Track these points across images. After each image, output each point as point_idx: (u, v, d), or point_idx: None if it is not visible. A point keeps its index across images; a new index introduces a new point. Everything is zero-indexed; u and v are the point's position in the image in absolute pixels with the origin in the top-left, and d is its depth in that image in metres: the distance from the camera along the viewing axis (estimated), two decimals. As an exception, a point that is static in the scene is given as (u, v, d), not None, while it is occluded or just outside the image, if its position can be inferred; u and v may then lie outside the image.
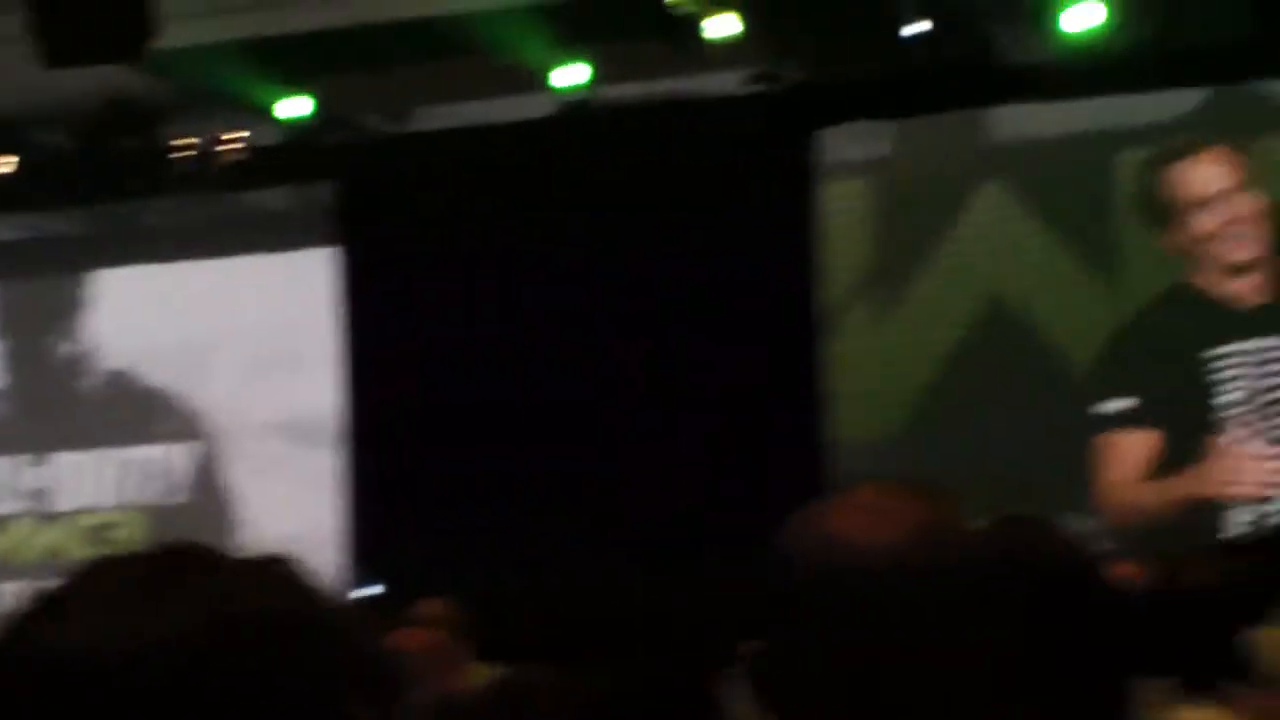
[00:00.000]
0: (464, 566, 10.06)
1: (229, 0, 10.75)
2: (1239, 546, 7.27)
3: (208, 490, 13.42)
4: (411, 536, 11.26)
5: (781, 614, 2.02)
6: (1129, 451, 7.96)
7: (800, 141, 11.51)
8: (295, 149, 12.21)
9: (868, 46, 11.41)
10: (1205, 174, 7.58)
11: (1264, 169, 9.74)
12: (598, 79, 11.68)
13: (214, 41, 10.96)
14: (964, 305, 11.25)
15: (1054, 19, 10.86)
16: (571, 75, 11.66)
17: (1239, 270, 7.64)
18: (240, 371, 13.26)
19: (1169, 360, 8.33)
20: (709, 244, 11.38)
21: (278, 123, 12.10)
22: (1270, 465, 8.18)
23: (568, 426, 11.32)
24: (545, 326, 11.56)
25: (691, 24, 11.01)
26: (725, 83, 11.48)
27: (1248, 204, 7.48)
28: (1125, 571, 5.39)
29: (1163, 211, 7.21)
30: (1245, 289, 7.41)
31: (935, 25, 11.18)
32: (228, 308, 13.18)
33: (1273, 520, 8.09)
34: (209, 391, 13.38)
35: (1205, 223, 7.23)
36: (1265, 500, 8.01)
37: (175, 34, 8.96)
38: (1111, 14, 10.69)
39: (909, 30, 11.31)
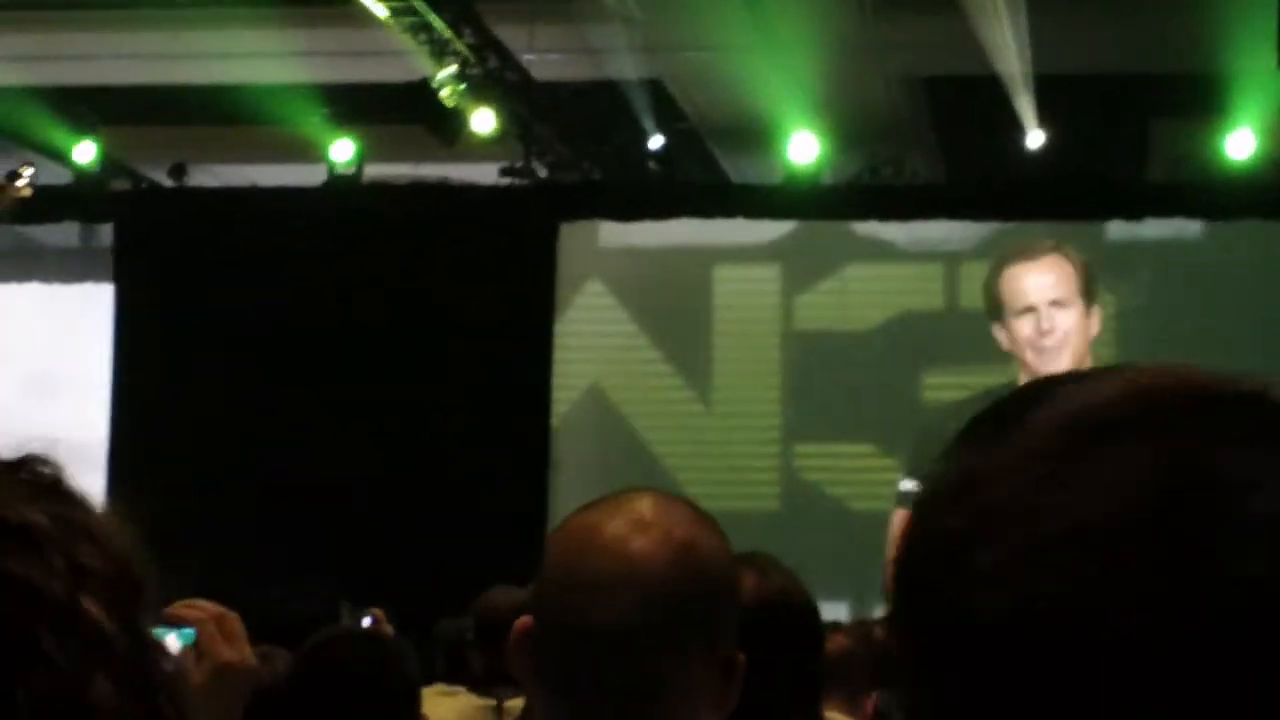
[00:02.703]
0: (226, 598, 9.97)
1: (27, 49, 10.72)
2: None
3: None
4: (171, 563, 11.20)
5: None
6: None
7: (543, 233, 11.67)
8: (81, 191, 12.16)
9: (612, 153, 11.73)
10: (1031, 280, 7.37)
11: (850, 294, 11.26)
12: (365, 157, 11.86)
13: (10, 84, 10.93)
14: (564, 390, 11.70)
15: (779, 149, 11.24)
16: (341, 152, 11.83)
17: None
18: (15, 391, 13.05)
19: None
20: (458, 318, 11.50)
21: (68, 165, 12.09)
22: None
23: (324, 461, 11.31)
24: (298, 371, 11.59)
25: (458, 116, 11.13)
26: (482, 172, 11.65)
27: (1069, 318, 7.25)
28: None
29: (995, 308, 7.11)
30: None
31: (670, 142, 11.53)
32: (6, 329, 13.01)
33: None
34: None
35: (1022, 329, 7.08)
36: None
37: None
38: (825, 149, 11.19)
39: (652, 143, 11.66)
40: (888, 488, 10.58)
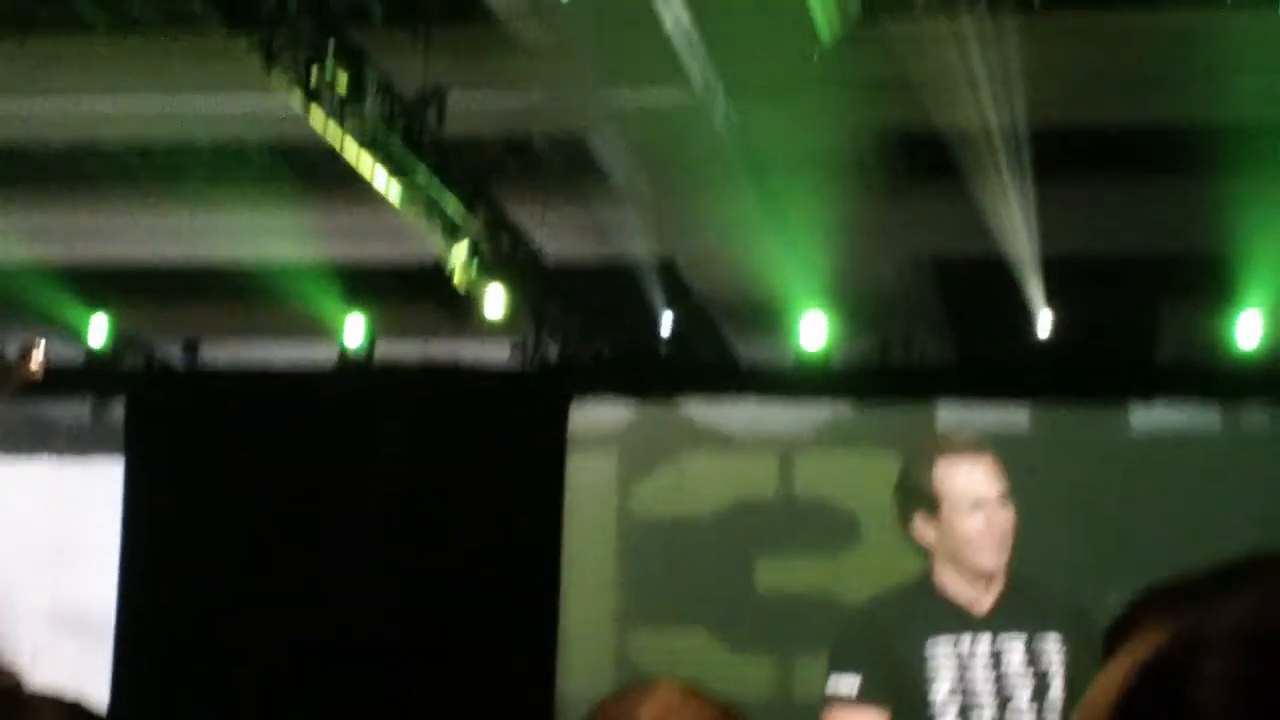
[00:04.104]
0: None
1: (40, 225, 10.79)
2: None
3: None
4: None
5: None
6: None
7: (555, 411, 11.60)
8: (93, 367, 12.18)
9: (621, 332, 11.77)
10: (979, 474, 7.07)
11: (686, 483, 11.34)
12: (377, 335, 11.86)
13: (24, 260, 10.98)
14: None
15: (789, 329, 11.23)
16: (353, 330, 11.83)
17: (984, 576, 7.07)
18: (26, 565, 12.94)
19: (893, 649, 8.24)
20: (468, 501, 11.43)
21: (80, 341, 12.10)
22: None
23: (335, 640, 11.22)
24: (309, 547, 11.50)
25: (470, 295, 11.11)
26: (494, 349, 11.67)
27: (1011, 515, 6.99)
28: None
29: (925, 500, 6.72)
30: (981, 593, 6.98)
31: (680, 321, 11.55)
32: (15, 502, 12.93)
33: None
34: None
35: (968, 524, 6.72)
36: None
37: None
38: (835, 329, 11.20)
39: (663, 324, 11.66)
40: (722, 670, 10.82)
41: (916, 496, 6.56)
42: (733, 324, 11.90)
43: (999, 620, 6.88)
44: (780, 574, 11.16)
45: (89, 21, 9.30)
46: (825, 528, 11.22)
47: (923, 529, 6.56)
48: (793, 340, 11.27)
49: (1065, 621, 6.87)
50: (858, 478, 11.16)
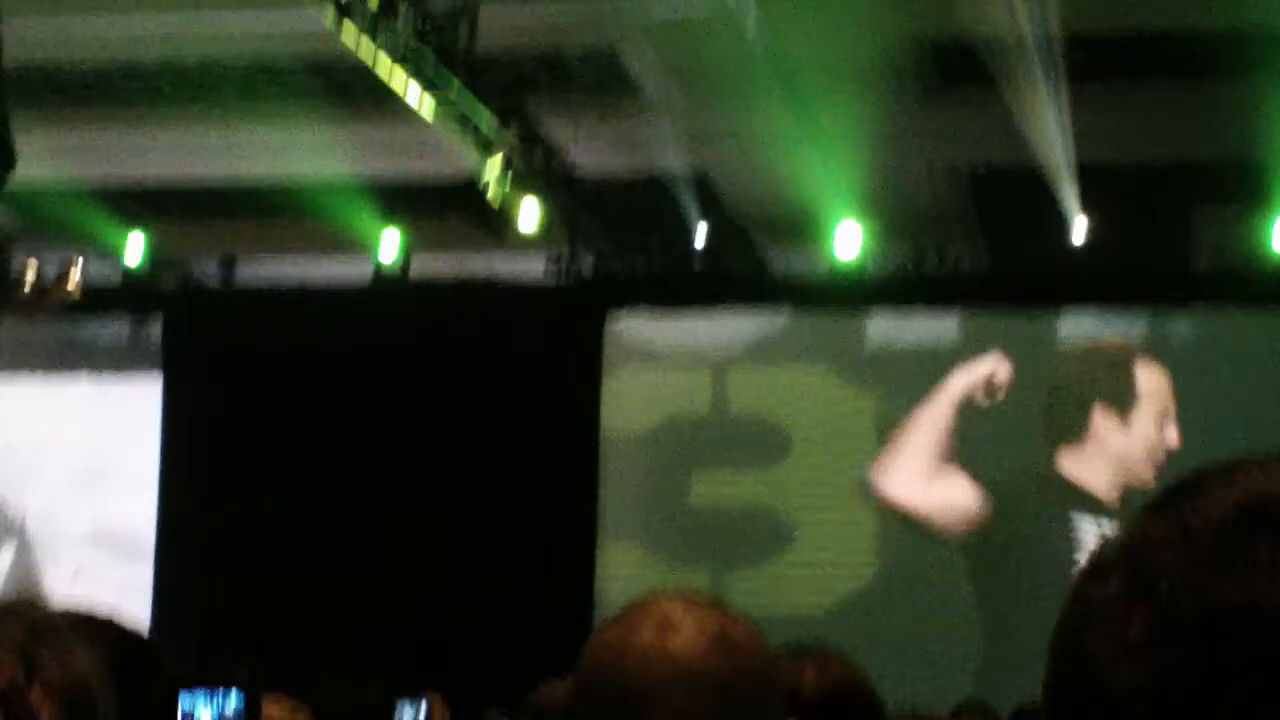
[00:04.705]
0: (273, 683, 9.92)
1: (77, 145, 10.79)
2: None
3: (21, 593, 13.07)
4: (216, 649, 11.24)
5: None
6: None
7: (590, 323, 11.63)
8: (130, 286, 12.21)
9: (655, 246, 11.71)
10: (1171, 393, 6.68)
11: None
12: (412, 251, 11.85)
13: (61, 180, 11.00)
14: None
15: (825, 239, 11.16)
16: (388, 246, 11.81)
17: (1131, 480, 6.65)
18: (66, 484, 13.01)
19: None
20: (504, 410, 11.47)
21: (117, 260, 12.13)
22: None
23: (371, 554, 11.30)
24: (346, 464, 11.57)
25: (504, 209, 11.11)
26: (528, 264, 11.68)
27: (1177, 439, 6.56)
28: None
29: (1118, 392, 6.33)
30: (1114, 489, 6.65)
31: (714, 233, 11.45)
32: (55, 422, 12.98)
33: None
34: (30, 499, 13.11)
35: (1149, 430, 6.40)
36: None
37: (26, 170, 8.92)
38: (869, 239, 11.14)
39: (697, 237, 11.62)
40: (658, 585, 10.53)
41: (1109, 387, 6.28)
42: (767, 236, 11.82)
43: (1128, 514, 6.79)
44: (714, 488, 11.23)
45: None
46: (758, 442, 11.29)
47: (1101, 419, 6.30)
48: (827, 251, 11.22)
49: None
50: (790, 392, 11.20)
